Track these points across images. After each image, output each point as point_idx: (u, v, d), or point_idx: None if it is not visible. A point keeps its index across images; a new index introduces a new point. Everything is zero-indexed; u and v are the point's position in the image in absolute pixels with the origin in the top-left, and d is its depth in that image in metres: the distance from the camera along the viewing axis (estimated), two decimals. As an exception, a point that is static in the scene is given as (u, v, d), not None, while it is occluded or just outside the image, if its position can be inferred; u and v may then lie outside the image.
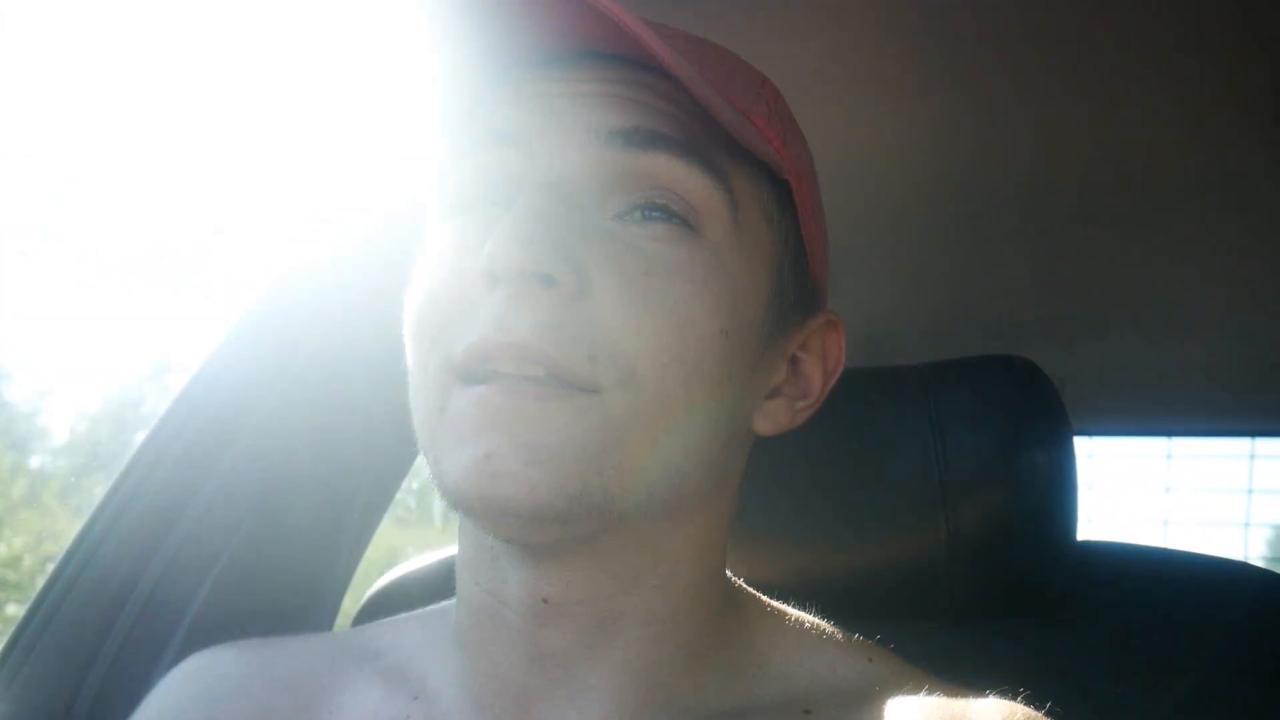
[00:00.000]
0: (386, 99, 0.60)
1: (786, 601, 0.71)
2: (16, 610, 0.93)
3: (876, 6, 0.96)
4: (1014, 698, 0.63)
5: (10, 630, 0.91)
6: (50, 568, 0.93)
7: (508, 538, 0.55)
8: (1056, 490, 0.82)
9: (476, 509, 0.52)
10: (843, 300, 1.64)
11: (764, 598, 0.70)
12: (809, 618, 0.69)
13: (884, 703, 0.62)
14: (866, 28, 1.00)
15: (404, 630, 0.72)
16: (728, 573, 0.68)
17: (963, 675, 0.81)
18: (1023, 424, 0.83)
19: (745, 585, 0.71)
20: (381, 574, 1.10)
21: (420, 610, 0.74)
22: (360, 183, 1.05)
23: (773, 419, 0.66)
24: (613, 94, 0.56)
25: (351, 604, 1.10)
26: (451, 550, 1.01)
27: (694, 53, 0.61)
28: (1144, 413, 2.06)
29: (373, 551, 1.15)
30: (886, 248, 1.49)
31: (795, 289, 0.65)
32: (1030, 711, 0.62)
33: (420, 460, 1.15)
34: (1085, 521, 0.90)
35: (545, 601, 0.58)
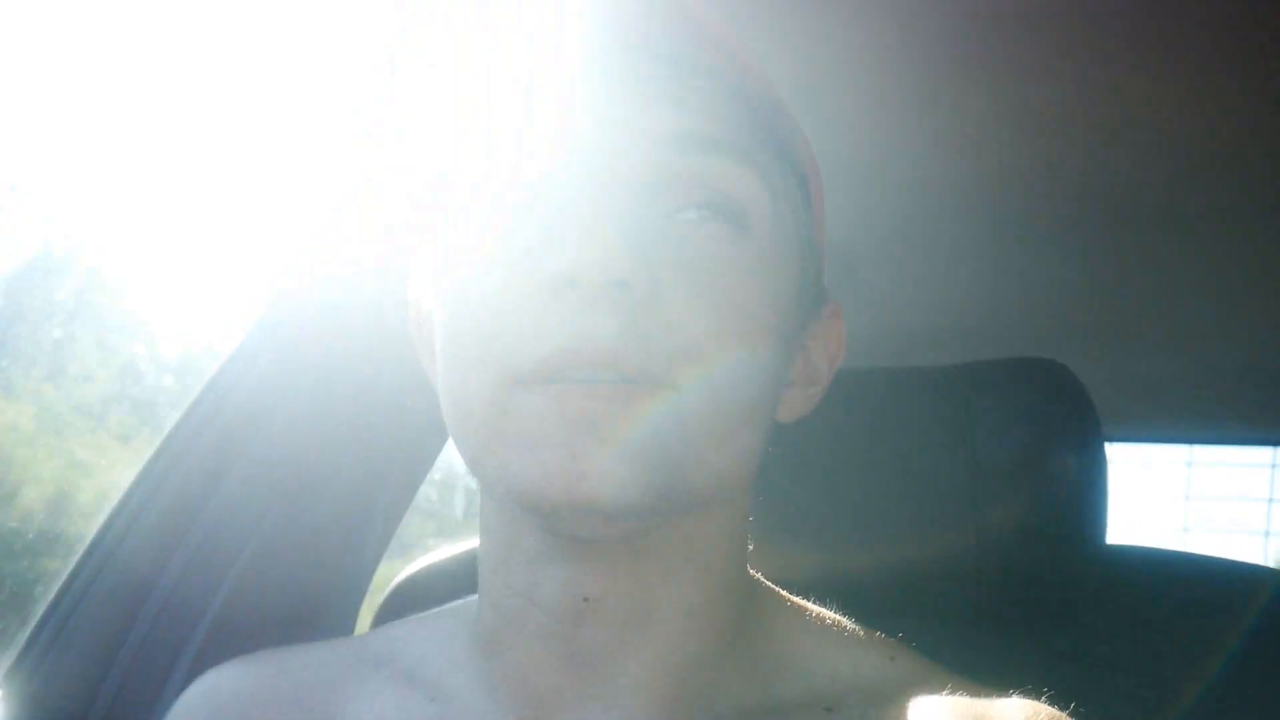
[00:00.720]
0: (421, 89, 0.59)
1: (810, 598, 0.71)
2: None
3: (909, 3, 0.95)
4: (1038, 697, 0.62)
5: (29, 627, 0.91)
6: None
7: (576, 534, 0.55)
8: (1085, 494, 0.82)
9: (561, 510, 0.51)
10: (875, 301, 1.65)
11: (785, 594, 0.70)
12: (830, 614, 0.69)
13: (906, 701, 0.62)
14: (896, 25, 1.00)
15: (418, 632, 0.71)
16: (750, 569, 0.69)
17: (986, 675, 0.81)
18: (1053, 427, 0.83)
19: (766, 581, 0.71)
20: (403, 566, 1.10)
21: (434, 610, 0.73)
22: (386, 172, 1.05)
23: (791, 407, 0.67)
24: (667, 94, 0.56)
25: (372, 600, 1.11)
26: (473, 543, 1.01)
27: (733, 44, 0.62)
28: (1167, 419, 2.05)
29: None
30: (918, 249, 1.48)
31: (814, 280, 0.66)
32: (1054, 711, 0.62)
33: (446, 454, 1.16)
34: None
35: (586, 600, 0.58)
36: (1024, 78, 1.06)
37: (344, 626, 1.04)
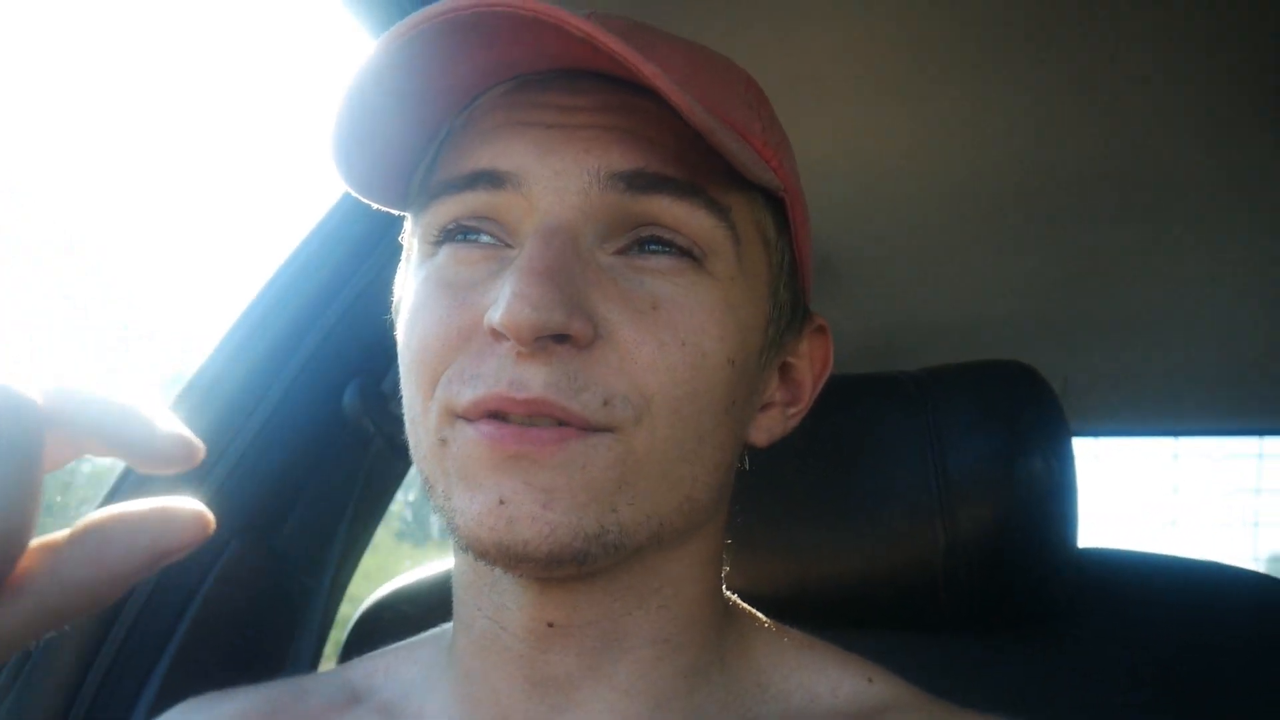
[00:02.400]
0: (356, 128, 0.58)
1: (784, 612, 0.70)
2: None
3: (872, 7, 0.95)
4: (1017, 714, 0.61)
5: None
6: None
7: (519, 574, 0.55)
8: (1056, 496, 0.81)
9: (491, 554, 0.51)
10: (845, 306, 1.64)
11: (761, 616, 0.69)
12: (807, 636, 0.68)
13: None
14: (865, 29, 0.99)
15: (395, 663, 0.70)
16: (725, 590, 0.68)
17: (962, 686, 0.79)
18: (1020, 429, 0.82)
19: (742, 602, 0.70)
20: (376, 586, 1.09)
21: (410, 640, 0.72)
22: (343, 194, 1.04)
23: (766, 430, 0.66)
24: (609, 127, 0.55)
25: (347, 617, 1.09)
26: (445, 565, 0.99)
27: (683, 61, 0.60)
28: (1149, 412, 2.05)
29: (367, 562, 1.13)
30: (888, 253, 1.48)
31: (790, 304, 0.64)
32: None
33: (414, 473, 1.15)
34: (1091, 523, 0.88)
35: (550, 625, 0.57)
36: (988, 83, 1.06)
37: (309, 651, 1.02)
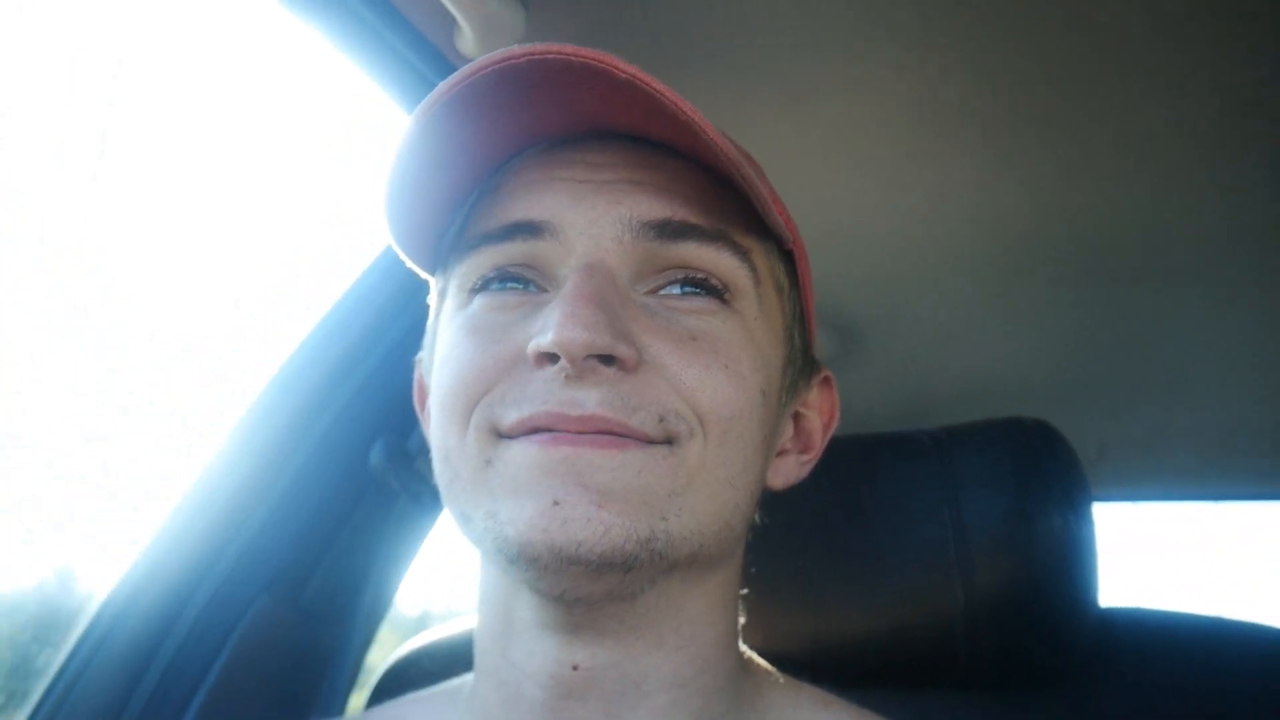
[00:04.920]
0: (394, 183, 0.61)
1: (802, 669, 0.70)
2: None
3: (895, 75, 0.97)
4: None
5: (31, 704, 0.91)
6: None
7: (560, 591, 0.55)
8: (1075, 554, 0.81)
9: (543, 557, 0.52)
10: (868, 369, 1.65)
11: (776, 671, 0.70)
12: (824, 692, 0.68)
13: None
14: (879, 97, 1.01)
15: (412, 712, 0.72)
16: (741, 645, 0.68)
17: (982, 747, 0.79)
18: (1038, 486, 0.82)
19: (758, 657, 0.71)
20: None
21: (427, 690, 0.73)
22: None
23: (783, 474, 0.68)
24: (637, 181, 0.59)
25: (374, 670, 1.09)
26: (469, 622, 1.00)
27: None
28: (1169, 476, 2.01)
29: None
30: (909, 316, 1.49)
31: (802, 352, 0.68)
32: None
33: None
34: (1132, 590, 0.87)
35: (575, 668, 0.59)
36: (1008, 142, 1.08)
37: (336, 705, 1.03)
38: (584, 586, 0.54)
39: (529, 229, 0.58)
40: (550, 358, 0.54)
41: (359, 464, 1.03)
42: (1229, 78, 0.97)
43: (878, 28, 0.89)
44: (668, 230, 0.58)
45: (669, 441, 0.55)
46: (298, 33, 0.85)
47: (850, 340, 1.52)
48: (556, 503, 0.52)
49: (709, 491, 0.56)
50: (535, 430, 0.54)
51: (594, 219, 0.58)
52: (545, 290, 0.59)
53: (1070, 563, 0.80)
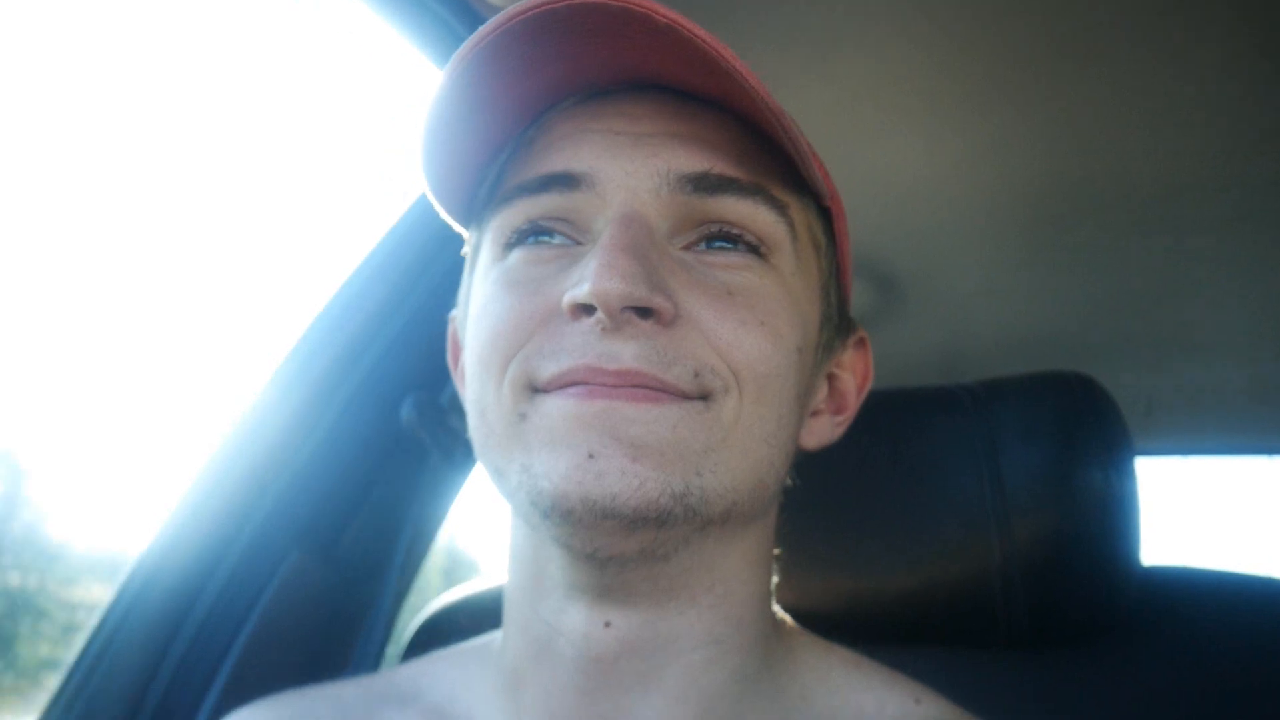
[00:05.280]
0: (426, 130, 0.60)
1: (837, 627, 0.70)
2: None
3: (929, 24, 0.94)
4: None
5: (69, 661, 0.93)
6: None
7: (593, 549, 0.55)
8: (1116, 509, 0.79)
9: (577, 510, 0.52)
10: (908, 323, 1.62)
11: (808, 632, 0.69)
12: (854, 654, 0.68)
13: None
14: (921, 45, 0.98)
15: (442, 668, 0.72)
16: (775, 606, 0.68)
17: (1019, 706, 0.77)
18: (1077, 440, 0.80)
19: (789, 617, 0.70)
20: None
21: (457, 647, 0.73)
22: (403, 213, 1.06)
23: (816, 434, 0.68)
24: (674, 134, 0.58)
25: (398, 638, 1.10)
26: (498, 578, 1.00)
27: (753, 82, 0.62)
28: (1226, 431, 1.97)
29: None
30: (950, 270, 1.46)
31: (838, 310, 0.67)
32: None
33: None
34: (1177, 549, 0.85)
35: (607, 625, 0.58)
36: (1047, 93, 1.04)
37: (369, 661, 1.04)
38: (617, 543, 0.54)
39: (565, 180, 0.57)
40: (586, 309, 0.53)
41: (391, 419, 1.03)
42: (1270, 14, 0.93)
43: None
44: (705, 183, 0.57)
45: (704, 397, 0.54)
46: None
47: (888, 293, 1.49)
48: (591, 455, 0.52)
49: (744, 448, 0.56)
50: (571, 384, 0.53)
51: (631, 171, 0.57)
52: (580, 243, 0.58)
53: (1112, 519, 0.78)
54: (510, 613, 0.64)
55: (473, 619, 0.97)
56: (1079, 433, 0.80)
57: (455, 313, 0.69)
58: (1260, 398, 1.78)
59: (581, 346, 0.53)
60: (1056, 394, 0.83)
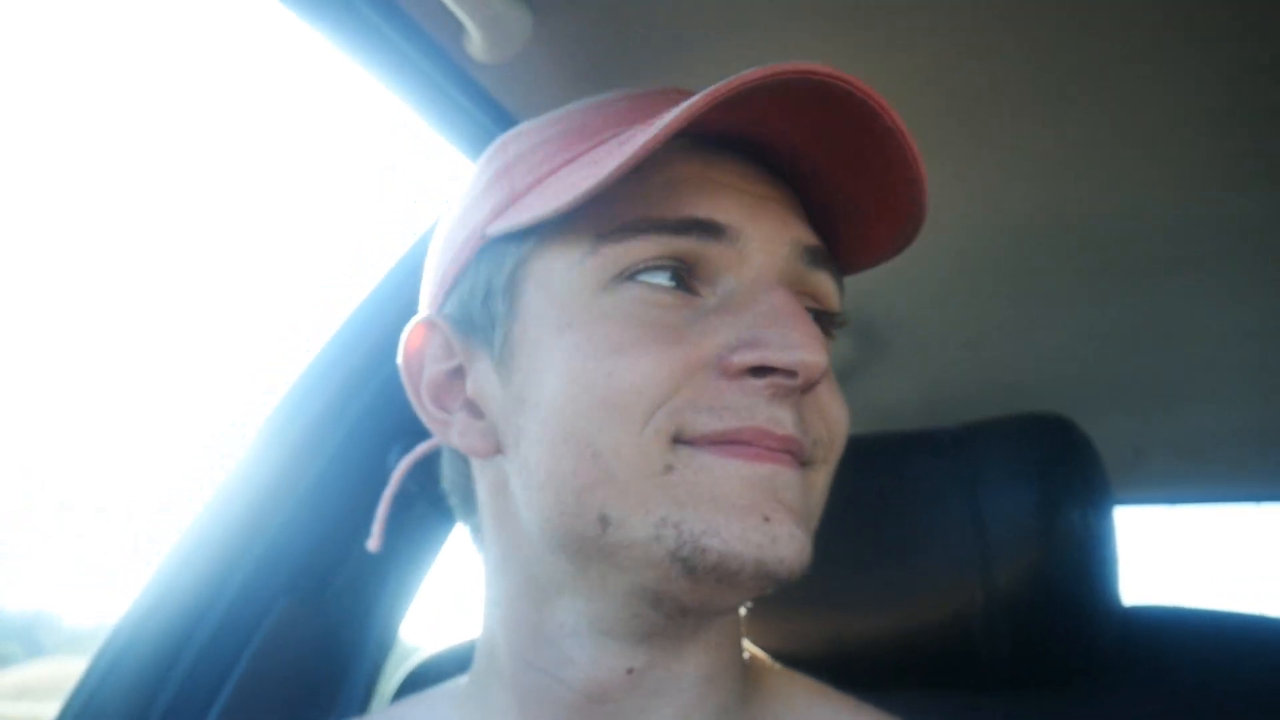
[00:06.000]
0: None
1: (819, 670, 0.70)
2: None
3: (907, 70, 0.96)
4: None
5: (58, 707, 0.93)
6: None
7: (717, 605, 0.56)
8: (1096, 550, 0.80)
9: (746, 570, 0.52)
10: (889, 367, 1.64)
11: (775, 662, 0.70)
12: (820, 683, 0.69)
13: None
14: (893, 88, 1.00)
15: (414, 714, 0.72)
16: (745, 639, 0.69)
17: (1003, 748, 0.77)
18: (1057, 482, 0.81)
19: (758, 650, 0.71)
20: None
21: (425, 692, 0.74)
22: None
23: None
24: (788, 203, 0.61)
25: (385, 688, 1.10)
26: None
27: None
28: (1214, 479, 1.98)
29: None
30: (934, 312, 1.47)
31: None
32: None
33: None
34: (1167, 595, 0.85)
35: (630, 671, 0.59)
36: (1027, 133, 1.06)
37: (355, 708, 1.03)
38: (733, 599, 0.56)
39: (709, 229, 0.56)
40: (758, 372, 0.54)
41: (378, 467, 1.03)
42: (1259, 57, 0.95)
43: (879, 20, 0.89)
44: (816, 257, 0.60)
45: (812, 464, 0.57)
46: (312, 43, 0.86)
47: (868, 340, 1.51)
48: (767, 519, 0.52)
49: (819, 511, 0.60)
50: (733, 443, 0.54)
51: (769, 235, 0.58)
52: (696, 294, 0.57)
53: (1091, 559, 0.79)
54: (492, 664, 0.65)
55: (461, 668, 0.97)
56: (1059, 474, 0.81)
57: (428, 318, 0.66)
58: (1251, 444, 1.79)
59: (750, 408, 0.54)
60: (1036, 436, 0.84)
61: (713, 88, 0.51)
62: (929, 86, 0.98)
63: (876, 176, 0.58)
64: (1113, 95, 1.01)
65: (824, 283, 0.61)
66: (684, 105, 0.51)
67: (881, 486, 0.87)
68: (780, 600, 0.81)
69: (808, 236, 0.60)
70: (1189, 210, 1.20)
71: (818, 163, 0.59)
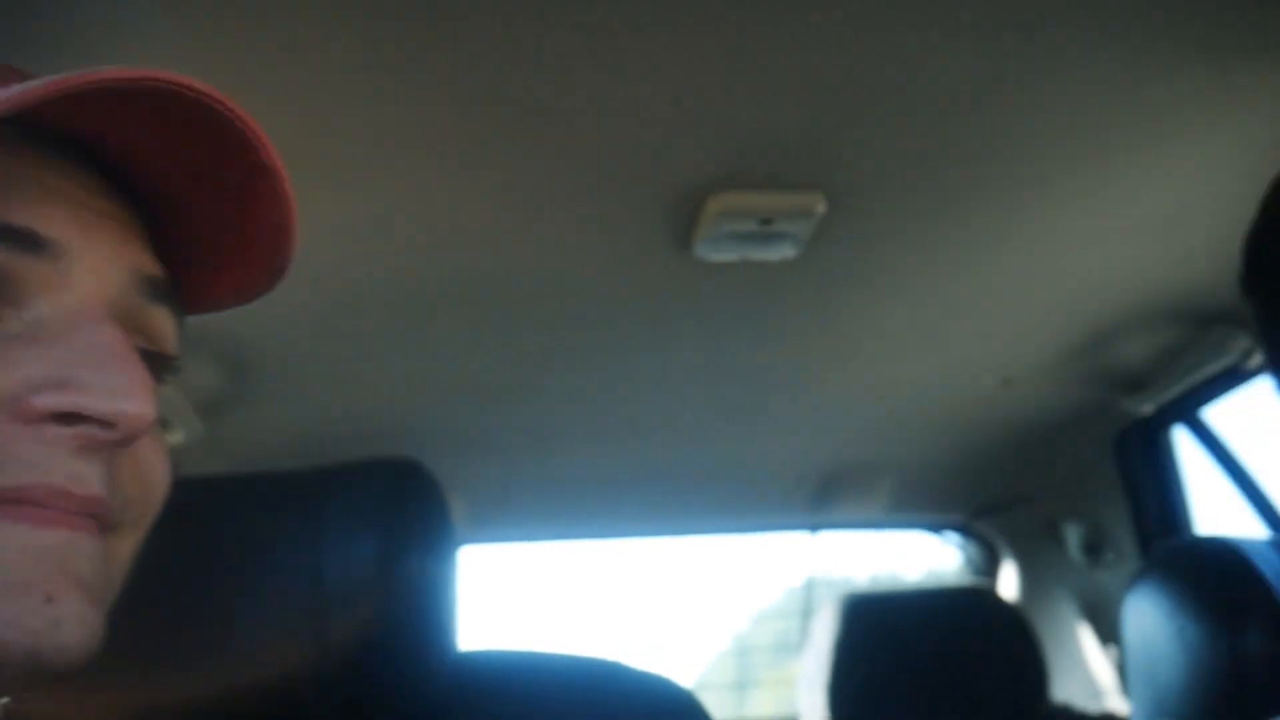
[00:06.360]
0: None
1: None
2: None
3: (287, 107, 0.91)
4: None
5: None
6: None
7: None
8: (434, 598, 0.79)
9: (13, 661, 0.44)
10: (268, 405, 1.55)
11: None
12: None
13: None
14: (284, 115, 0.94)
15: None
16: None
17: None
18: (399, 529, 0.79)
19: None
20: None
21: None
22: None
23: None
24: (128, 224, 0.53)
25: None
26: None
27: None
28: (564, 518, 2.16)
29: None
30: (314, 351, 1.43)
31: None
32: None
33: None
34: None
35: None
36: (409, 175, 1.06)
37: None
38: (18, 689, 0.47)
39: (25, 240, 0.46)
40: (65, 419, 0.43)
41: None
42: (617, 139, 1.03)
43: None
44: (159, 291, 0.52)
45: (130, 532, 0.50)
46: None
47: (239, 375, 1.41)
48: (50, 599, 0.43)
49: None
50: (21, 502, 0.43)
51: (103, 258, 0.49)
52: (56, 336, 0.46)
53: (428, 608, 0.79)
54: None
55: None
56: (401, 521, 0.80)
57: None
58: (592, 487, 1.98)
59: (47, 461, 0.43)
60: (382, 481, 0.82)
61: (60, 76, 0.43)
62: (308, 116, 0.94)
63: (245, 213, 0.54)
64: (491, 153, 1.05)
65: (163, 321, 0.54)
66: (19, 88, 0.43)
67: (219, 536, 0.80)
68: (113, 646, 0.69)
69: (150, 265, 0.52)
70: (550, 272, 1.29)
71: (180, 185, 0.54)
